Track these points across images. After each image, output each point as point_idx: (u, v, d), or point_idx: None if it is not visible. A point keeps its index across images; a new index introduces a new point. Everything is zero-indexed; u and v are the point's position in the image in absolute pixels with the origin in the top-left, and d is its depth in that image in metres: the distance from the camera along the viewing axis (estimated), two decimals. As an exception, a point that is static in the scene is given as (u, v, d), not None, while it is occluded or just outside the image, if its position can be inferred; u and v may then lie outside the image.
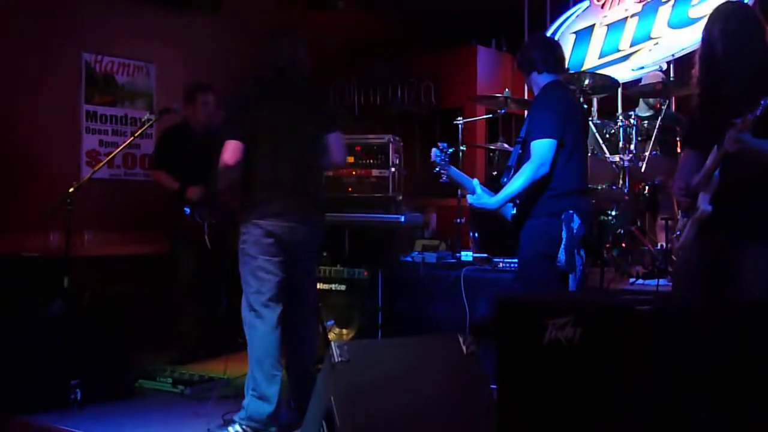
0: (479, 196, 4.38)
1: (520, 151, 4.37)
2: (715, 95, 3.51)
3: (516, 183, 4.20)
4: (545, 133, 4.16)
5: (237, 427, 4.22)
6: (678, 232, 3.77)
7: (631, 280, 5.46)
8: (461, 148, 6.38)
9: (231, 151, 4.20)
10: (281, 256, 4.28)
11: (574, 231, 4.18)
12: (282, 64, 4.41)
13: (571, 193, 4.25)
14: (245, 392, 4.26)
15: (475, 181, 4.45)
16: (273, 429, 4.23)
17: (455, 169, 4.61)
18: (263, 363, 4.21)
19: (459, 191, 5.83)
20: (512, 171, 4.39)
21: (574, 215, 4.19)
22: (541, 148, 4.15)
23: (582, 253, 4.29)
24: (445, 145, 4.63)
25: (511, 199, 4.29)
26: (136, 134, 5.61)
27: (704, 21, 3.70)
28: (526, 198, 4.28)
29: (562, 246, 4.17)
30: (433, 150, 4.58)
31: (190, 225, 5.63)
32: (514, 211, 4.36)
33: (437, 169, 4.59)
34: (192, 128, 5.97)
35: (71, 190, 5.01)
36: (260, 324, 4.25)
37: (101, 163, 5.59)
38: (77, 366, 4.65)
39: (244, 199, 4.33)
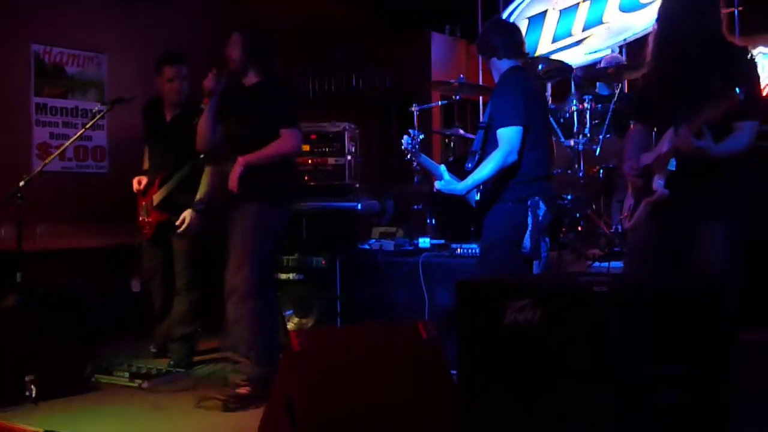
0: (447, 182, 4.38)
1: (484, 136, 4.38)
2: (668, 72, 3.55)
3: (484, 170, 4.20)
4: (512, 121, 4.16)
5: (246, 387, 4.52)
6: (626, 213, 3.81)
7: (588, 262, 5.50)
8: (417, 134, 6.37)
9: (299, 140, 4.74)
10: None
11: (540, 217, 4.20)
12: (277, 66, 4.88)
13: (537, 179, 4.27)
14: (251, 361, 4.57)
15: (443, 167, 4.45)
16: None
17: (425, 156, 4.62)
18: (271, 331, 4.68)
19: (415, 177, 5.83)
20: (477, 156, 4.40)
21: (540, 202, 4.21)
22: (509, 135, 4.15)
23: (547, 240, 4.32)
24: (416, 132, 4.66)
25: (479, 185, 4.30)
26: (87, 126, 5.51)
27: (655, 4, 3.76)
28: (491, 184, 4.29)
29: (528, 232, 4.19)
30: (405, 137, 4.60)
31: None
32: (478, 197, 4.37)
33: (408, 156, 4.59)
34: (163, 109, 5.62)
35: (21, 183, 4.93)
36: (267, 295, 4.66)
37: (51, 156, 5.48)
38: (31, 361, 4.57)
39: (263, 178, 4.59)
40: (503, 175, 4.21)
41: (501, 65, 4.38)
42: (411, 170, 5.09)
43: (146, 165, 5.71)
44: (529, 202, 4.19)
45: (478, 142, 4.45)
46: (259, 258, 4.60)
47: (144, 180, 5.56)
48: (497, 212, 4.29)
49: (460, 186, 4.32)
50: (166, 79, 5.52)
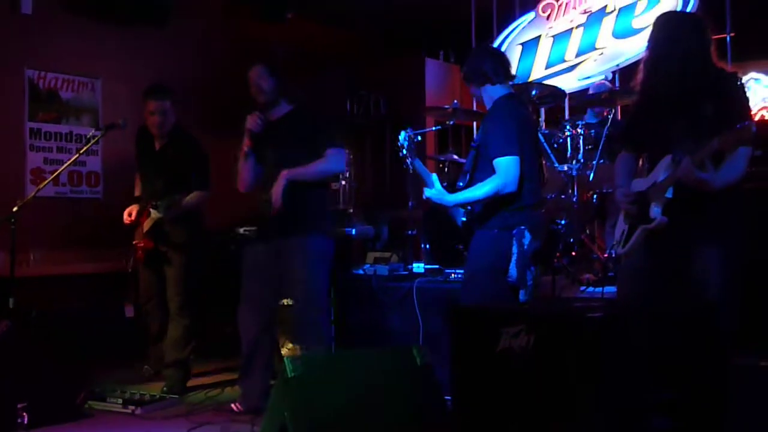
0: (439, 192, 4.31)
1: (474, 158, 4.36)
2: (660, 100, 3.57)
3: (478, 191, 4.17)
4: (508, 151, 4.12)
5: None
6: (617, 238, 3.82)
7: (582, 287, 5.50)
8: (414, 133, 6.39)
9: (344, 159, 4.92)
10: None
11: (526, 246, 4.16)
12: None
13: (526, 207, 4.24)
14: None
15: (434, 176, 4.38)
16: None
17: (419, 160, 4.52)
18: None
19: (410, 203, 5.83)
20: (468, 176, 4.37)
21: (526, 231, 4.17)
22: (507, 166, 4.11)
23: (533, 269, 4.27)
24: (412, 131, 4.56)
25: (468, 204, 4.28)
26: (81, 151, 5.50)
27: (648, 30, 3.77)
28: (480, 207, 4.28)
29: (513, 261, 4.14)
30: (402, 132, 4.52)
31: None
32: (464, 219, 4.36)
33: (403, 152, 4.51)
34: (153, 138, 5.64)
35: (15, 209, 4.92)
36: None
37: (45, 182, 5.47)
38: (24, 388, 4.54)
39: (313, 209, 4.74)
40: (494, 201, 4.21)
41: (493, 92, 4.37)
42: (403, 169, 4.86)
43: (137, 192, 5.72)
44: (514, 231, 4.16)
45: (469, 162, 4.44)
46: (322, 289, 4.81)
47: (134, 211, 5.54)
48: (482, 238, 4.27)
49: (450, 198, 4.29)
50: (148, 112, 5.55)
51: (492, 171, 4.18)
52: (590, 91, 6.64)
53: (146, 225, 5.45)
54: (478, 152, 4.35)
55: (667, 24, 3.66)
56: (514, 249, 4.14)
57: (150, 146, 5.62)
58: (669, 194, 3.49)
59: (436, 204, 4.36)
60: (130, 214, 5.53)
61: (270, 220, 4.68)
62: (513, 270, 4.14)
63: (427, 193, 4.37)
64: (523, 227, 4.18)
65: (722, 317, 3.24)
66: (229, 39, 7.98)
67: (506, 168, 4.12)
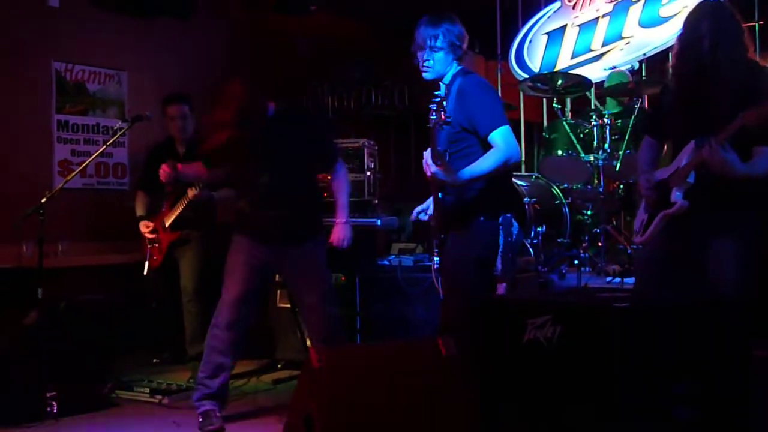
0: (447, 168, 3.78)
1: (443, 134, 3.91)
2: (699, 91, 3.52)
3: (485, 164, 3.78)
4: (502, 121, 3.83)
5: None
6: (636, 228, 3.80)
7: (608, 278, 5.48)
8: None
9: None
10: None
11: (513, 237, 3.89)
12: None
13: (509, 191, 4.06)
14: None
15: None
16: None
17: (444, 135, 3.91)
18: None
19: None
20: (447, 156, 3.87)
21: (513, 220, 3.92)
22: (507, 136, 3.79)
23: (515, 262, 4.01)
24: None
25: (477, 179, 3.83)
26: (108, 143, 5.54)
27: (675, 20, 3.74)
28: (465, 192, 3.94)
29: (499, 253, 3.88)
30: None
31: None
32: (449, 197, 4.00)
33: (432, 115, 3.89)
34: (176, 145, 5.75)
35: (43, 200, 4.96)
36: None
37: (73, 173, 5.51)
38: (53, 378, 4.59)
39: (320, 216, 4.73)
40: (476, 186, 3.89)
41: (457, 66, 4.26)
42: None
43: (140, 211, 5.76)
44: (500, 220, 3.88)
45: (443, 141, 3.90)
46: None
47: (150, 225, 5.62)
48: (469, 226, 3.95)
49: (457, 175, 3.78)
50: (170, 118, 5.68)
51: (477, 144, 3.89)
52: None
53: (168, 219, 5.49)
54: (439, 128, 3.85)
55: (712, 16, 3.59)
56: (501, 240, 3.88)
57: (173, 155, 5.64)
58: (691, 179, 3.47)
59: (440, 181, 3.85)
60: (147, 226, 5.60)
61: (277, 226, 4.51)
62: (499, 263, 3.90)
63: (434, 169, 3.79)
64: (509, 215, 3.92)
65: (738, 308, 3.21)
66: (253, 31, 8.00)
67: (507, 138, 3.80)
